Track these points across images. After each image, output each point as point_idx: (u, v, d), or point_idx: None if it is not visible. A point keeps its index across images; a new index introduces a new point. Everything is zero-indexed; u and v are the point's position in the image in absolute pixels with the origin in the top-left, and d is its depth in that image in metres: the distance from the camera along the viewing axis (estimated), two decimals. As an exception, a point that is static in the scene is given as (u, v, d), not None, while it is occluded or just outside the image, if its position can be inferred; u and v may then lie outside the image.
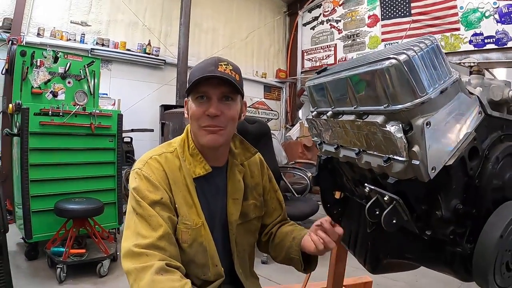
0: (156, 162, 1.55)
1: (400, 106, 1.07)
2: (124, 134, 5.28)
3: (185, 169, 1.58)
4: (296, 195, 5.20)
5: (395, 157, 1.13)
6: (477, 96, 1.19)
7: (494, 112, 1.25)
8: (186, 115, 1.63)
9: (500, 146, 1.24)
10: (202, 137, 1.56)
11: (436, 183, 1.12)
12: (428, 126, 1.04)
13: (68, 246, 3.74)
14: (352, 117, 1.29)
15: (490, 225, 1.17)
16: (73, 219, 3.94)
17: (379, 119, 1.13)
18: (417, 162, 1.07)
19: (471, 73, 1.38)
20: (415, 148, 1.06)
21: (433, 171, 1.07)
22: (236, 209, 1.68)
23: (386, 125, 1.10)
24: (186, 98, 1.63)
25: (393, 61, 1.04)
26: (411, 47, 1.06)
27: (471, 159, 1.17)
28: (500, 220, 1.16)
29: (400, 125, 1.08)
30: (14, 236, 4.33)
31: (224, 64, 1.53)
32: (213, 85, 1.51)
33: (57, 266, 3.64)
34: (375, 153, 1.24)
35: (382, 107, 1.13)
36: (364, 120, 1.21)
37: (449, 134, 1.10)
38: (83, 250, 3.91)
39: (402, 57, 1.04)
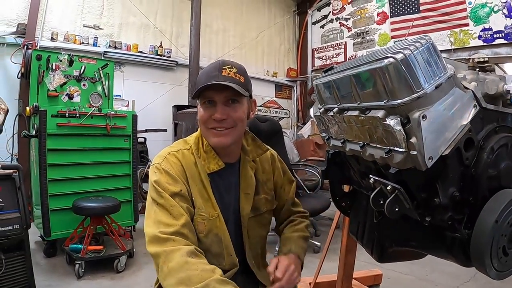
0: (174, 158, 1.64)
1: (398, 101, 1.16)
2: (138, 135, 5.38)
3: (199, 165, 1.66)
4: (308, 192, 5.25)
5: (395, 148, 1.22)
6: (472, 90, 1.27)
7: (489, 105, 1.33)
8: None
9: (495, 137, 1.32)
10: (210, 139, 1.65)
11: (433, 172, 1.21)
12: (424, 119, 1.13)
13: (86, 243, 3.84)
14: (356, 113, 1.38)
15: (486, 211, 1.25)
16: (91, 217, 4.04)
17: (380, 113, 1.22)
18: (415, 153, 1.15)
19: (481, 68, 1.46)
20: (413, 140, 1.15)
21: (430, 160, 1.16)
22: (247, 204, 1.76)
23: (386, 119, 1.19)
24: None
25: (391, 59, 1.14)
26: (407, 46, 1.15)
27: (467, 150, 1.25)
28: (495, 206, 1.24)
29: (399, 118, 1.17)
30: (32, 235, 4.43)
31: (228, 68, 1.60)
32: (217, 90, 1.57)
33: (76, 262, 3.74)
34: (377, 145, 1.33)
35: (383, 102, 1.22)
36: (367, 115, 1.30)
37: (445, 126, 1.19)
38: (101, 247, 4.01)
39: (399, 56, 1.13)
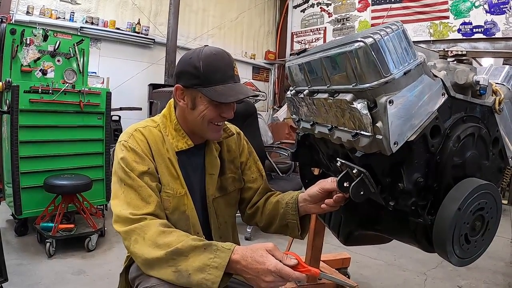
0: (141, 134, 1.63)
1: (366, 85, 1.17)
2: (112, 113, 5.30)
3: (168, 143, 1.65)
4: (281, 174, 5.26)
5: (361, 132, 1.23)
6: (441, 78, 1.28)
7: (458, 95, 1.34)
8: (182, 104, 1.64)
9: (462, 126, 1.34)
10: (208, 133, 1.66)
11: (399, 157, 1.22)
12: (390, 104, 1.14)
13: (57, 221, 3.81)
14: (325, 95, 1.39)
15: (449, 198, 1.28)
16: (62, 195, 4.00)
17: (348, 97, 1.22)
18: (381, 137, 1.17)
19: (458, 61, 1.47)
20: (379, 124, 1.16)
21: (395, 145, 1.17)
22: (212, 184, 1.76)
23: (354, 103, 1.20)
24: (179, 85, 1.62)
25: (361, 43, 1.14)
26: (378, 31, 1.15)
27: (433, 137, 1.26)
28: (459, 194, 1.26)
29: (366, 102, 1.18)
30: (3, 213, 4.45)
31: (235, 66, 1.63)
32: None
33: (47, 241, 3.71)
34: (345, 129, 1.34)
35: (351, 86, 1.23)
36: (335, 98, 1.30)
37: (412, 112, 1.20)
38: (72, 225, 3.98)
39: (369, 40, 1.13)
